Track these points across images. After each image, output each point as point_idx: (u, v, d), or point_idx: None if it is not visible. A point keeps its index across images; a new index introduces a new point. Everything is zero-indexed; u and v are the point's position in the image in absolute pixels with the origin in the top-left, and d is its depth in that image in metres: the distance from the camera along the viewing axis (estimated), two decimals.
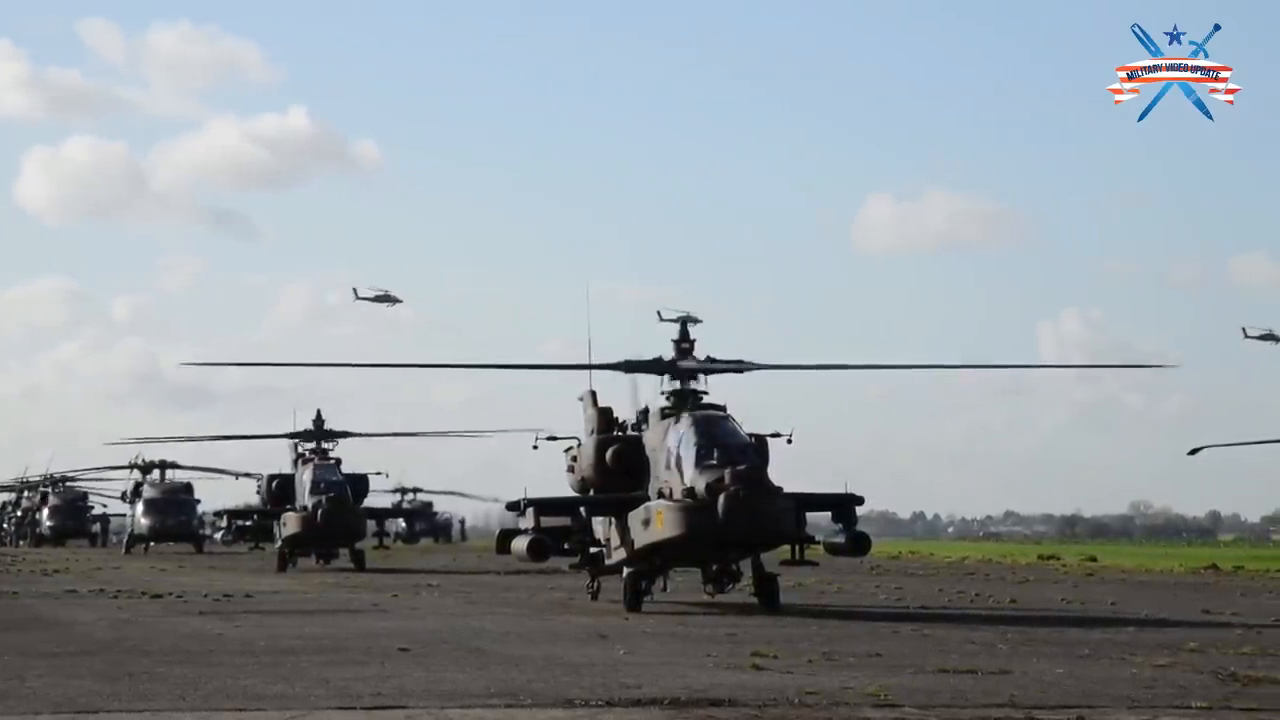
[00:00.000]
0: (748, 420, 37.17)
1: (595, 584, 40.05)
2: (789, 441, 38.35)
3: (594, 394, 40.93)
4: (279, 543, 66.82)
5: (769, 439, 37.98)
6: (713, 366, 38.51)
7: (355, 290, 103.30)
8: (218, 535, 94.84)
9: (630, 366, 39.05)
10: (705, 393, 38.25)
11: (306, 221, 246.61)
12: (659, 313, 39.66)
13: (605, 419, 39.90)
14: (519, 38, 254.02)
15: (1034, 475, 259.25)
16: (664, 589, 38.88)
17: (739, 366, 38.85)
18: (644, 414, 38.91)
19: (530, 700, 18.81)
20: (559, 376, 45.10)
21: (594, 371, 40.92)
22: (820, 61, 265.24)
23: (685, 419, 36.53)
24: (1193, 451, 54.55)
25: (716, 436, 35.83)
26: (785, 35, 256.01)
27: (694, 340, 38.70)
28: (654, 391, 38.90)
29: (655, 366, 38.68)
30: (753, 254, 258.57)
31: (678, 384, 38.39)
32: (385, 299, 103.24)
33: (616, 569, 38.15)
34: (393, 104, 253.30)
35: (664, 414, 37.83)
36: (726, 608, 36.45)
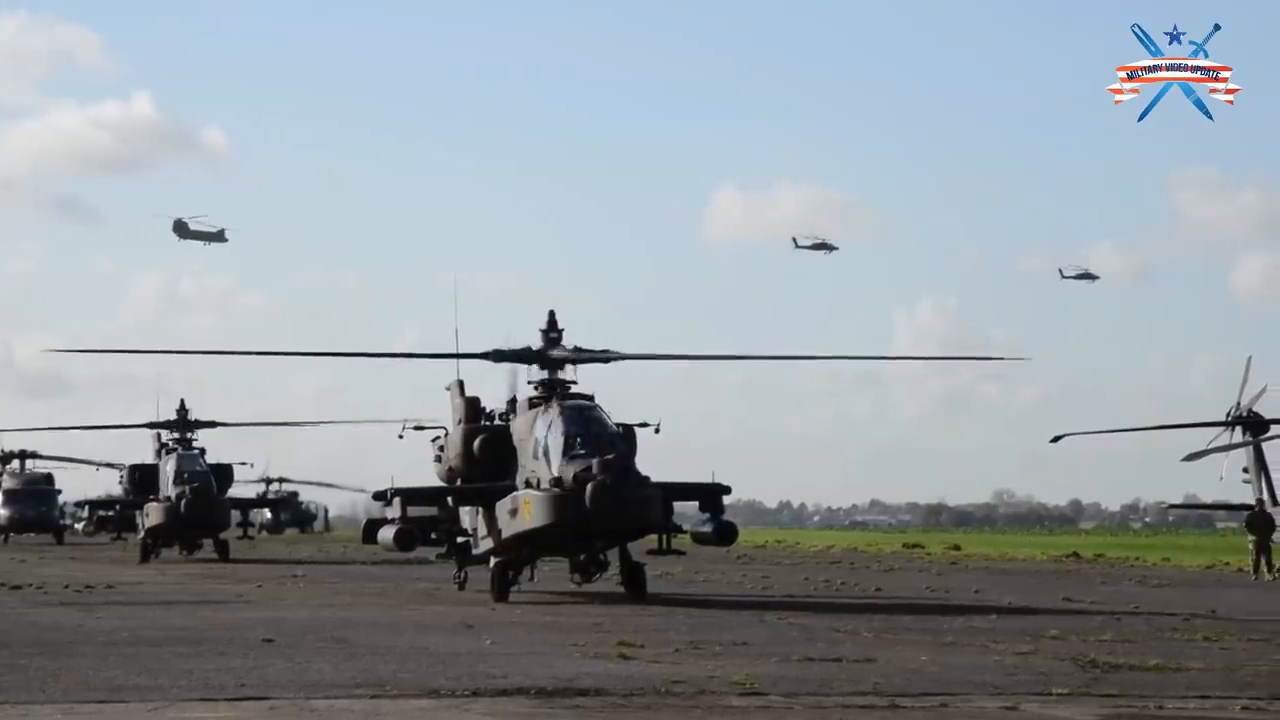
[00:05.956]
0: (615, 410, 37.24)
1: (463, 574, 39.93)
2: (656, 431, 38.43)
3: (461, 383, 40.76)
4: (142, 533, 66.10)
5: (636, 429, 38.05)
6: (580, 356, 38.45)
7: (795, 239, 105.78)
8: (79, 526, 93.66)
9: (499, 356, 38.89)
10: (573, 382, 38.20)
11: (154, 209, 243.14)
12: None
13: (473, 408, 39.75)
14: (368, 21, 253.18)
15: (899, 465, 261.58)
16: (531, 579, 38.84)
17: (606, 356, 38.81)
18: (512, 403, 38.83)
19: (396, 691, 18.73)
20: (419, 365, 44.78)
21: (462, 361, 40.78)
22: (683, 54, 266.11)
23: (553, 408, 36.48)
24: (1055, 439, 55.23)
25: (584, 426, 35.79)
26: (648, 27, 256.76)
27: (562, 330, 38.61)
28: (524, 381, 38.85)
29: (524, 356, 38.55)
30: (610, 244, 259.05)
31: (546, 373, 38.31)
32: (823, 246, 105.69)
33: (484, 559, 38.06)
34: (240, 92, 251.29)
35: (532, 403, 37.77)
36: (594, 597, 36.47)
